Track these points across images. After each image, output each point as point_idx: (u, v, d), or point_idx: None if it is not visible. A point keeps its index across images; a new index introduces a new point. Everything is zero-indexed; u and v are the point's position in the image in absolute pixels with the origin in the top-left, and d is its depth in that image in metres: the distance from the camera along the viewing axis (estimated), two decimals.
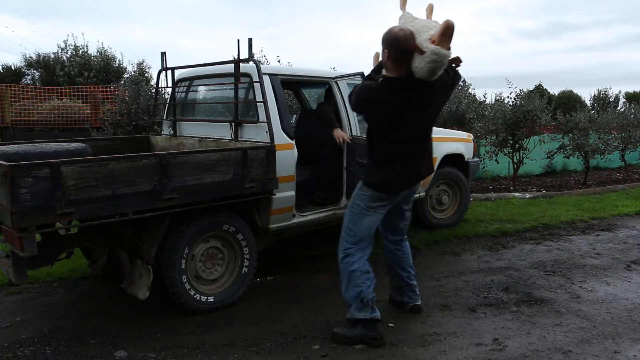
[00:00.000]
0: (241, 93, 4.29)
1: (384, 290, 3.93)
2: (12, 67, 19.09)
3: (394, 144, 3.05)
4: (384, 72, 3.03)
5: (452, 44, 2.72)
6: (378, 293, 3.57)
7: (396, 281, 3.63)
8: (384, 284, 4.09)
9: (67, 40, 17.43)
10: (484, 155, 9.02)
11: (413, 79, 2.83)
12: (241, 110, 4.28)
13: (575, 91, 25.35)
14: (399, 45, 2.79)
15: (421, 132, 3.10)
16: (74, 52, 16.88)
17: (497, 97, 9.51)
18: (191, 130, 4.86)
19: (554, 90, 26.91)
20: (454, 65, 3.03)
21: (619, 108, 15.42)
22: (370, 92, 2.93)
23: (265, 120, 3.88)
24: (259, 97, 3.99)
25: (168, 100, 5.27)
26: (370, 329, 3.13)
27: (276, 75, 4.22)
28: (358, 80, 4.77)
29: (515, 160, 8.97)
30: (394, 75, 2.91)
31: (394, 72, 2.90)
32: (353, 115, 4.62)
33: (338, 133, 4.49)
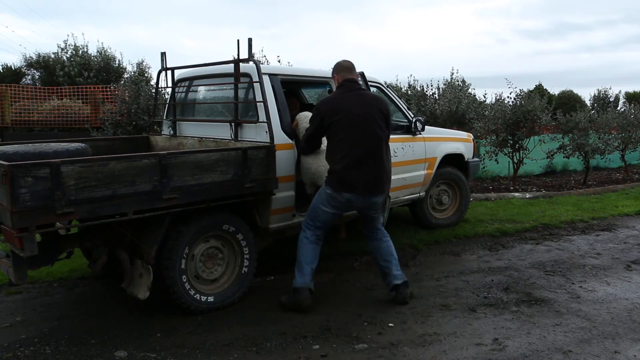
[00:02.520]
0: (241, 93, 4.29)
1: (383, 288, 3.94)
2: (12, 67, 19.08)
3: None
4: None
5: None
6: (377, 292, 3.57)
7: (381, 269, 3.89)
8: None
9: (67, 40, 17.42)
10: (484, 155, 9.01)
11: None
12: (241, 110, 4.28)
13: (575, 91, 25.40)
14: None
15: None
16: (74, 52, 16.86)
17: (497, 97, 9.51)
18: (191, 130, 4.85)
19: (554, 90, 26.94)
20: None
21: (619, 108, 15.42)
22: None
23: (265, 120, 3.88)
24: (258, 97, 3.99)
25: (168, 100, 5.27)
26: (298, 294, 3.63)
27: (276, 75, 4.22)
28: None
29: (515, 160, 8.97)
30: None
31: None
32: None
33: None
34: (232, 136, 4.23)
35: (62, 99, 10.19)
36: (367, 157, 3.55)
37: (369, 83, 4.52)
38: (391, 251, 3.84)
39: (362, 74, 4.28)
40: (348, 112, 3.55)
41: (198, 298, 3.59)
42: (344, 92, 3.66)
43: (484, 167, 9.32)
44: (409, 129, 5.32)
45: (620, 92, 26.52)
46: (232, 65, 4.06)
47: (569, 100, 22.88)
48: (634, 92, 26.60)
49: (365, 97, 3.69)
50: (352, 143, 3.53)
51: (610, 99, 24.42)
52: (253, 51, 3.93)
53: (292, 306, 3.64)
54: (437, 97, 10.39)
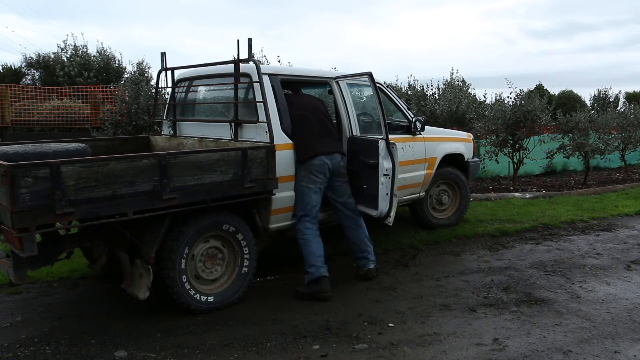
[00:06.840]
0: (241, 93, 4.29)
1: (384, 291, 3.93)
2: (12, 67, 19.06)
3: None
4: None
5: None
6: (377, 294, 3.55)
7: (353, 250, 4.38)
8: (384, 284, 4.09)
9: (66, 40, 17.42)
10: (484, 155, 9.01)
11: None
12: (241, 110, 4.28)
13: (575, 91, 25.38)
14: None
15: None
16: (73, 52, 16.85)
17: (497, 97, 9.51)
18: (191, 130, 4.85)
19: (554, 90, 26.93)
20: None
21: (618, 108, 15.39)
22: None
23: (265, 120, 3.88)
24: (258, 97, 3.99)
25: (168, 100, 5.27)
26: (319, 284, 3.88)
27: (276, 75, 4.22)
28: (362, 81, 4.76)
29: (515, 160, 8.97)
30: None
31: None
32: (353, 115, 4.62)
33: None
34: (232, 136, 4.23)
35: (62, 99, 10.18)
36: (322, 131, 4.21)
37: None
38: (366, 238, 4.33)
39: (370, 75, 4.29)
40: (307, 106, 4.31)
41: (198, 298, 3.59)
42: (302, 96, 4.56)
43: (484, 167, 9.32)
44: (409, 129, 5.32)
45: (620, 92, 26.50)
46: (232, 65, 4.06)
47: (569, 100, 22.87)
48: (634, 92, 26.58)
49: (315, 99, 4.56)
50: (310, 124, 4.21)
51: (610, 99, 24.39)
52: (253, 51, 3.93)
53: (313, 296, 3.86)
54: (437, 97, 10.40)
